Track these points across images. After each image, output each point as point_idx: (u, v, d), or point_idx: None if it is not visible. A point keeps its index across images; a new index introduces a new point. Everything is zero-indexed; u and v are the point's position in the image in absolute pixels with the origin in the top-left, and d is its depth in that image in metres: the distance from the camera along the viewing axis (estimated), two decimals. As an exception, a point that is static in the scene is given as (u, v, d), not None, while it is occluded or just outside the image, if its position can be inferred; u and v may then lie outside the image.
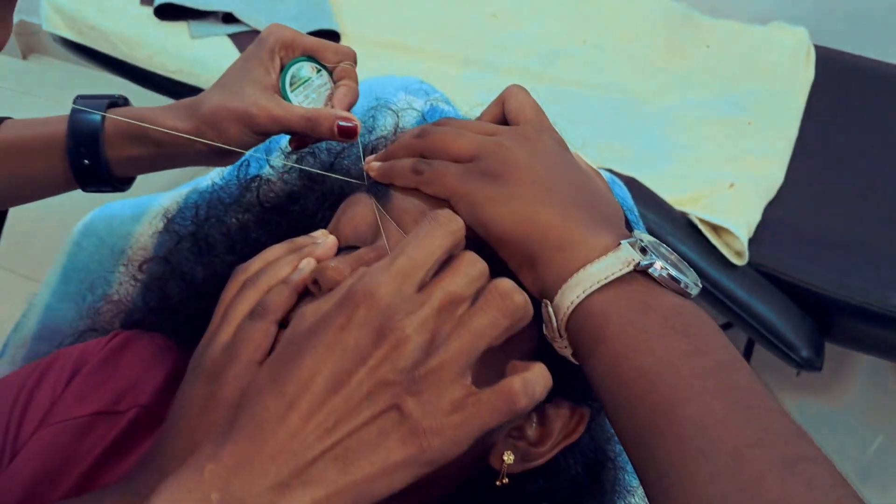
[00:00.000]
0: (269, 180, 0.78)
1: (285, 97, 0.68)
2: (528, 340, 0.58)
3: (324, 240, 0.60)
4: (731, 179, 1.58)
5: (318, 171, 0.69)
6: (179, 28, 1.86)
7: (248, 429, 0.41)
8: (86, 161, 0.69)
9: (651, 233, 0.65)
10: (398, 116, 0.82)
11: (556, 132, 0.62)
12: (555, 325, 0.52)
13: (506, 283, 0.44)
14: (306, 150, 0.76)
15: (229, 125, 0.65)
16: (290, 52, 0.70)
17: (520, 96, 0.63)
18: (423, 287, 0.43)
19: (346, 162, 0.75)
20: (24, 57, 2.86)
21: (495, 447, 0.58)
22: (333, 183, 0.74)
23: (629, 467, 0.70)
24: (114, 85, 2.01)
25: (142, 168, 0.72)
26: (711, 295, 1.48)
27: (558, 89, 1.84)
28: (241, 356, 0.52)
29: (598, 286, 0.50)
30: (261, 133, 0.67)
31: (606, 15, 2.02)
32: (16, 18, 2.60)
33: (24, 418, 0.64)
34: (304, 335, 0.43)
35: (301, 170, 0.78)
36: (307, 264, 0.57)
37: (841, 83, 1.90)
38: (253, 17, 1.88)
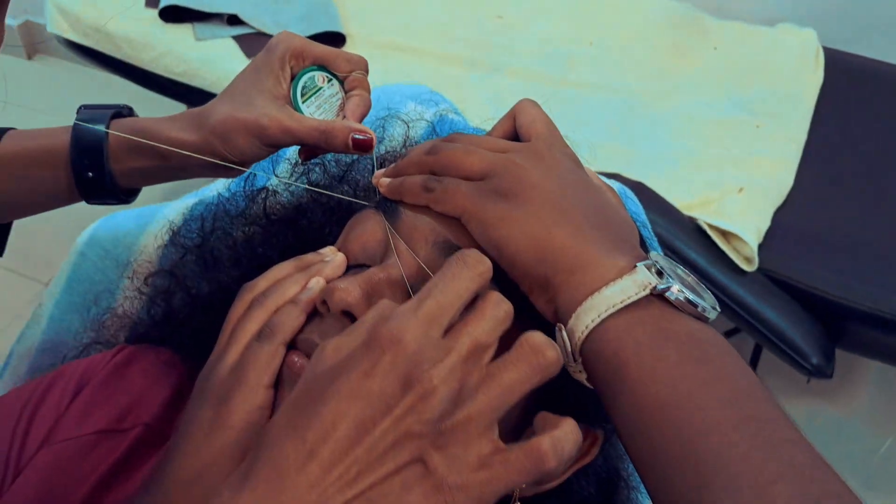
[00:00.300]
0: (275, 192, 0.77)
1: (297, 108, 0.66)
2: None
3: (332, 257, 0.59)
4: (740, 183, 1.57)
5: (328, 192, 0.68)
6: (184, 30, 1.85)
7: (267, 476, 0.39)
8: (90, 173, 0.68)
9: (659, 238, 0.64)
10: (408, 127, 0.81)
11: (569, 148, 0.60)
12: (569, 349, 0.51)
13: (538, 338, 0.43)
14: (315, 161, 0.75)
15: (239, 137, 0.64)
16: (301, 60, 0.68)
17: (531, 110, 0.62)
18: (448, 330, 0.42)
19: (356, 174, 0.74)
20: (30, 57, 2.85)
21: None
22: (341, 195, 0.73)
23: (642, 487, 0.69)
24: (119, 86, 2.01)
25: (147, 180, 0.71)
26: (720, 301, 1.46)
27: (564, 91, 1.82)
28: (248, 379, 0.51)
29: (613, 310, 0.49)
30: (272, 145, 0.65)
31: (613, 16, 2.01)
32: (21, 19, 2.61)
33: (28, 436, 0.63)
34: (325, 378, 0.41)
35: (308, 182, 0.77)
36: (316, 283, 0.56)
37: (850, 85, 1.88)
38: (258, 19, 1.86)
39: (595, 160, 0.63)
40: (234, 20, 1.87)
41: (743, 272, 1.48)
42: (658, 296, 0.49)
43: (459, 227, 0.56)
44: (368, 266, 0.59)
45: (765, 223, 1.51)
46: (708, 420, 0.43)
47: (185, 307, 0.71)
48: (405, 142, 0.80)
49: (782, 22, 2.03)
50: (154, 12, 1.86)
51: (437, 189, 0.56)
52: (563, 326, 0.51)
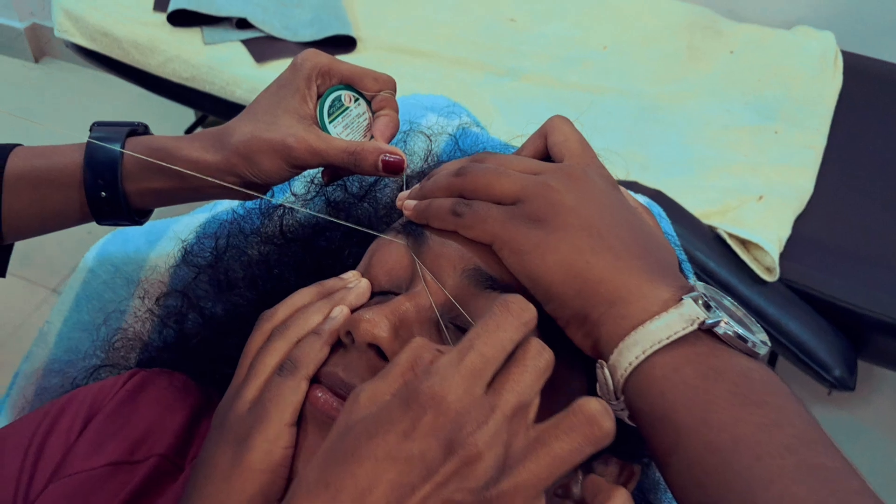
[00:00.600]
0: (291, 209, 0.74)
1: (323, 128, 0.64)
2: (578, 393, 0.54)
3: (356, 283, 0.56)
4: (760, 191, 1.54)
5: (348, 224, 0.64)
6: (192, 34, 1.83)
7: None
8: (103, 193, 0.65)
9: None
10: (430, 141, 0.78)
11: (604, 168, 0.57)
12: (610, 387, 0.48)
13: (593, 406, 0.39)
14: (338, 183, 0.73)
15: (263, 157, 0.61)
16: (328, 79, 0.65)
17: (564, 129, 0.59)
18: (489, 383, 0.40)
19: (377, 192, 0.71)
20: (37, 60, 2.83)
21: None
22: (361, 215, 0.70)
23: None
24: (126, 89, 1.99)
25: (163, 201, 0.68)
26: (741, 312, 1.43)
27: (579, 95, 1.79)
28: (270, 417, 0.48)
29: (658, 346, 0.46)
30: (298, 166, 0.62)
31: (628, 19, 1.98)
32: (28, 22, 2.59)
33: (37, 469, 0.60)
34: (361, 432, 0.39)
35: (327, 200, 0.74)
36: (339, 312, 0.53)
37: (870, 90, 1.85)
38: (267, 22, 1.84)
39: (611, 167, 0.59)
40: (242, 24, 1.84)
41: (763, 282, 1.45)
42: (706, 330, 0.46)
43: (490, 254, 0.53)
44: (393, 293, 0.56)
45: (785, 232, 1.48)
46: (768, 469, 0.41)
47: (199, 330, 0.69)
48: (427, 157, 0.77)
49: (799, 25, 2.00)
50: (162, 16, 1.83)
51: (466, 214, 0.53)
52: (604, 363, 0.48)
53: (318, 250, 0.69)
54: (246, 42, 1.82)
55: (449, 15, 1.97)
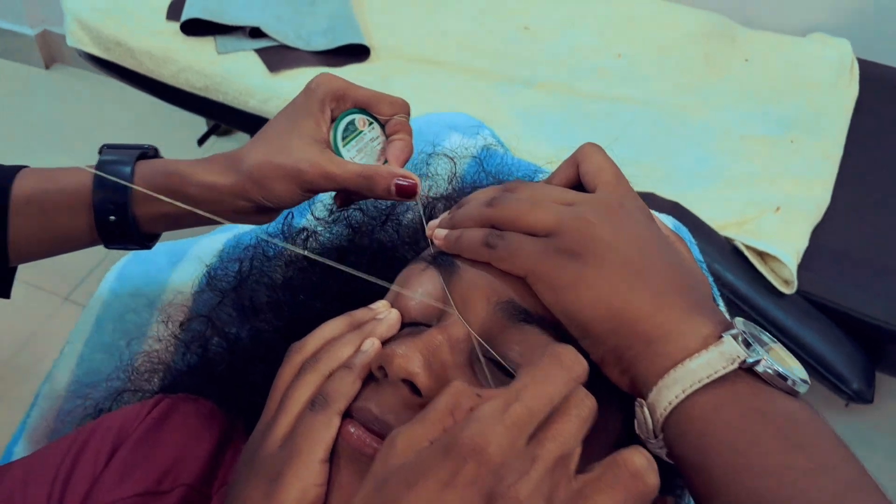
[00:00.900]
0: (315, 233, 0.74)
1: (337, 152, 0.64)
2: (613, 432, 0.53)
3: (386, 314, 0.56)
4: (777, 202, 1.53)
5: (369, 278, 0.62)
6: (206, 43, 1.82)
7: None
8: (112, 217, 0.65)
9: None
10: (454, 164, 0.77)
11: (639, 198, 0.57)
12: (650, 426, 0.47)
13: (638, 461, 0.39)
14: (353, 206, 0.72)
15: (276, 182, 0.61)
16: (342, 103, 0.65)
17: (596, 157, 0.58)
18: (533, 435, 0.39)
19: (398, 215, 0.70)
20: (47, 67, 2.83)
21: None
22: (384, 239, 0.70)
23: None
24: (138, 96, 1.98)
25: (172, 224, 0.68)
26: (758, 324, 1.42)
27: (593, 104, 1.78)
28: (302, 453, 0.48)
29: (699, 385, 0.45)
30: (311, 190, 0.62)
31: (642, 27, 1.97)
32: (38, 28, 2.60)
33: (63, 499, 0.60)
34: (400, 480, 0.38)
35: (348, 222, 0.73)
36: (371, 345, 0.53)
37: (887, 98, 1.84)
38: (280, 31, 1.83)
39: (628, 178, 0.58)
40: (256, 33, 1.84)
41: (781, 294, 1.44)
42: (746, 369, 0.46)
43: (523, 287, 0.52)
44: (424, 324, 0.55)
45: (803, 243, 1.47)
46: None
47: (224, 356, 0.68)
48: (451, 179, 0.76)
49: (814, 32, 1.98)
50: (175, 26, 1.83)
51: (499, 246, 0.53)
52: (644, 402, 0.48)
53: (344, 276, 0.68)
54: (259, 51, 1.82)
55: (462, 23, 1.96)
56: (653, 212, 0.59)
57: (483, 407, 0.39)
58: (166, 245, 0.85)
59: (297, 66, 1.78)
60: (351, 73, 1.78)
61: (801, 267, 1.44)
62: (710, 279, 0.67)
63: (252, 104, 1.76)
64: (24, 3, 2.67)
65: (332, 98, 0.65)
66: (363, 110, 0.66)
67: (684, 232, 0.83)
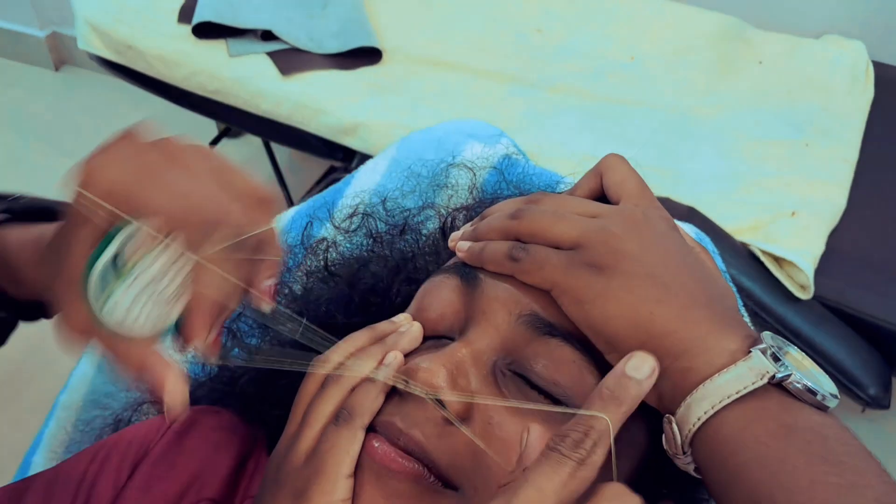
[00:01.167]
0: (335, 243, 0.73)
1: (94, 313, 0.41)
2: (639, 446, 0.52)
3: (408, 327, 0.55)
4: (792, 206, 1.52)
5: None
6: (217, 46, 1.82)
7: None
8: None
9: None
10: (474, 175, 0.77)
11: (663, 209, 0.56)
12: (678, 441, 0.47)
13: None
14: (368, 212, 0.71)
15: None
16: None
17: (620, 168, 0.57)
18: None
19: (420, 229, 0.70)
20: (57, 68, 2.84)
21: None
22: (405, 248, 0.69)
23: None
24: (148, 97, 1.98)
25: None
26: (774, 330, 1.42)
27: (606, 107, 1.78)
28: (327, 469, 0.47)
29: (728, 401, 0.45)
30: None
31: (655, 30, 1.96)
32: (48, 30, 2.61)
33: None
34: None
35: (369, 231, 0.73)
36: (394, 358, 0.52)
37: (902, 101, 1.82)
38: (292, 34, 1.83)
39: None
40: (268, 36, 1.83)
41: (797, 300, 1.43)
42: (776, 384, 0.45)
43: (548, 300, 0.52)
44: (446, 337, 0.55)
45: (819, 248, 1.46)
46: None
47: (246, 369, 0.68)
48: (471, 189, 0.76)
49: (828, 34, 1.97)
50: (187, 29, 1.83)
51: (523, 259, 0.52)
52: (672, 418, 0.47)
53: (364, 287, 0.68)
54: (271, 54, 1.81)
55: (475, 26, 1.96)
56: (681, 228, 0.58)
57: None
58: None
59: (309, 69, 1.78)
60: (363, 76, 1.78)
61: (818, 272, 1.43)
62: (734, 288, 0.67)
63: (264, 107, 1.76)
64: (33, 4, 2.68)
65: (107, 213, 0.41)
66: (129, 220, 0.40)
67: (707, 242, 0.83)
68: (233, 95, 1.79)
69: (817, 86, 1.83)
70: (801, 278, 1.42)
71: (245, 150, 2.47)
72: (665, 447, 0.49)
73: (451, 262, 0.59)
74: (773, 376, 0.45)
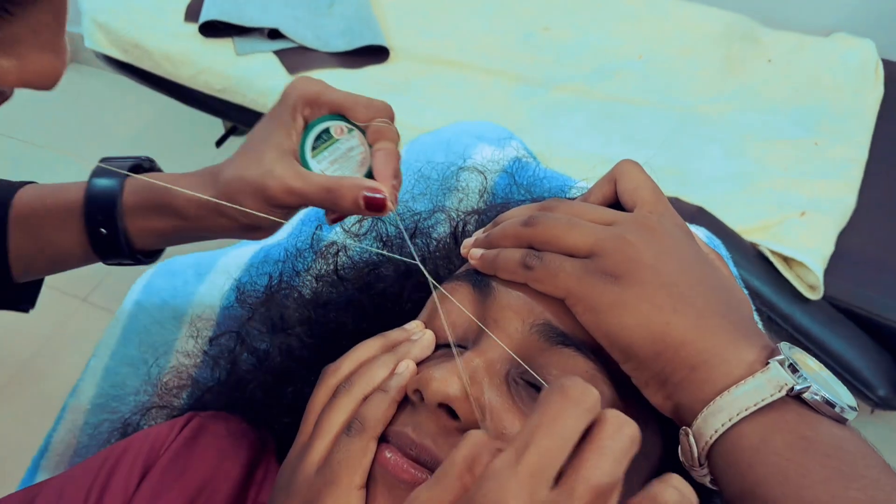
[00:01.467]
0: (345, 247, 0.73)
1: (305, 164, 0.58)
2: (652, 457, 0.52)
3: (420, 335, 0.55)
4: (802, 206, 1.51)
5: (437, 285, 0.59)
6: (224, 45, 1.82)
7: None
8: (103, 230, 0.63)
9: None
10: (485, 178, 0.76)
11: (678, 216, 0.55)
12: (695, 454, 0.46)
13: (671, 497, 0.36)
14: (377, 218, 0.71)
15: (245, 199, 0.57)
16: (315, 109, 0.59)
17: (634, 174, 0.57)
18: (561, 475, 0.36)
19: (430, 233, 0.69)
20: (63, 66, 2.83)
21: None
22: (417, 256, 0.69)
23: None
24: (155, 95, 1.98)
25: (164, 240, 0.66)
26: (783, 331, 1.41)
27: (614, 106, 1.77)
28: (339, 480, 0.47)
29: (745, 414, 0.44)
30: (279, 206, 0.58)
31: (663, 28, 1.95)
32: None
33: None
34: None
35: (379, 235, 0.72)
36: (406, 368, 0.52)
37: (912, 100, 1.81)
38: (299, 33, 1.83)
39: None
40: (275, 34, 1.83)
41: (806, 300, 1.42)
42: (794, 396, 0.44)
43: (561, 308, 0.51)
44: (459, 345, 0.54)
45: (829, 248, 1.45)
46: None
47: (253, 372, 0.67)
48: (482, 193, 0.75)
49: (837, 32, 1.96)
50: (194, 27, 1.83)
51: (537, 267, 0.52)
52: (689, 430, 0.46)
53: (375, 292, 0.67)
54: (278, 53, 1.81)
55: (483, 24, 1.95)
56: (696, 234, 0.58)
57: (495, 462, 0.36)
58: (193, 257, 0.84)
59: (316, 68, 1.78)
60: (370, 75, 1.77)
61: (827, 272, 1.42)
62: (746, 292, 0.66)
63: (271, 106, 1.75)
64: (40, 2, 2.67)
65: (305, 104, 0.59)
66: (341, 116, 0.59)
67: (720, 246, 0.82)
68: (239, 94, 1.78)
69: (826, 84, 1.82)
70: (811, 278, 1.41)
71: (251, 149, 2.46)
72: (681, 459, 0.48)
73: (462, 268, 0.59)
74: (792, 388, 0.44)
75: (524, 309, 0.52)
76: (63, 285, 2.06)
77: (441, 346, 0.55)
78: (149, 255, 0.68)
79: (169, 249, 0.72)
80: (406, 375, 0.51)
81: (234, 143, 2.45)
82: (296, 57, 1.80)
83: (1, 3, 0.35)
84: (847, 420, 0.45)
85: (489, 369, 0.51)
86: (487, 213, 0.68)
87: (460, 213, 0.70)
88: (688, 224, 0.60)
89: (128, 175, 0.64)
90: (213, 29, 1.82)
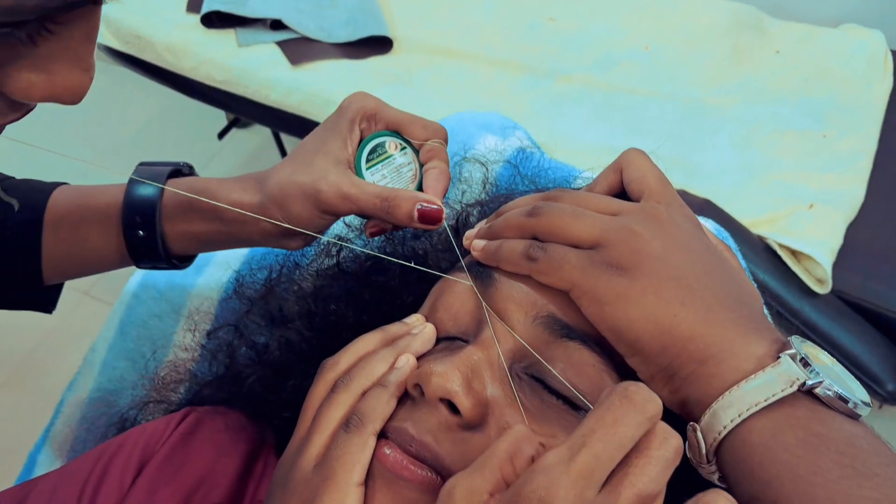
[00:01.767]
0: (347, 238, 0.72)
1: (360, 174, 0.60)
2: None
3: (420, 329, 0.53)
4: (810, 198, 1.49)
5: (413, 265, 0.61)
6: (226, 36, 1.81)
7: None
8: (140, 232, 0.64)
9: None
10: (487, 170, 0.74)
11: (686, 207, 0.54)
12: (703, 450, 0.45)
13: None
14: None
15: (295, 201, 0.58)
16: (373, 124, 0.62)
17: (641, 163, 0.55)
18: (609, 478, 0.36)
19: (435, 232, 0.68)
20: (66, 58, 2.82)
21: None
22: (418, 248, 0.67)
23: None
24: (158, 89, 1.97)
25: (201, 245, 0.66)
26: (791, 325, 1.39)
27: (620, 97, 1.75)
28: (337, 477, 0.46)
29: (756, 409, 0.43)
30: (328, 212, 0.59)
31: (670, 19, 1.93)
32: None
33: None
34: None
35: (384, 235, 0.71)
36: (406, 362, 0.50)
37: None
38: (302, 23, 1.81)
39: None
40: (277, 25, 1.81)
41: (814, 294, 1.41)
42: (805, 391, 0.43)
43: (565, 300, 0.50)
44: (460, 339, 0.53)
45: (837, 241, 1.44)
46: None
47: (252, 367, 0.66)
48: (484, 184, 0.74)
49: (846, 23, 1.94)
50: (195, 19, 1.81)
51: (541, 258, 0.50)
52: (697, 426, 0.45)
53: (376, 286, 0.66)
54: (281, 44, 1.79)
55: (487, 15, 1.93)
56: (704, 225, 0.56)
57: (547, 456, 0.36)
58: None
59: (318, 59, 1.76)
60: (373, 66, 1.76)
61: (836, 265, 1.41)
62: (755, 286, 0.65)
63: (273, 97, 1.74)
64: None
65: (363, 118, 0.62)
66: (396, 133, 0.62)
67: (728, 238, 0.80)
68: (241, 85, 1.77)
69: (835, 76, 1.79)
70: (819, 272, 1.39)
71: (254, 141, 2.46)
72: (689, 455, 0.47)
73: (465, 260, 0.57)
74: (804, 383, 0.43)
75: (527, 301, 0.51)
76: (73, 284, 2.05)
77: (442, 340, 0.54)
78: (182, 261, 0.69)
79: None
80: (406, 370, 0.50)
81: (237, 135, 2.45)
82: (298, 48, 1.79)
83: (43, 23, 0.36)
84: (860, 416, 0.44)
85: (491, 363, 0.49)
86: (490, 205, 0.66)
87: (463, 205, 0.69)
88: (699, 218, 0.58)
89: (171, 176, 0.65)
90: (215, 20, 1.80)
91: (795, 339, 0.46)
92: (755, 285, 0.64)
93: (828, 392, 0.43)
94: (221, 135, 2.34)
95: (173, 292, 0.80)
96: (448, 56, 1.83)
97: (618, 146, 0.57)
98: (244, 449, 0.63)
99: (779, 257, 1.43)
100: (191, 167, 0.68)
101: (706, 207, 1.40)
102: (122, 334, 0.80)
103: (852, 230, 1.48)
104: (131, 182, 0.64)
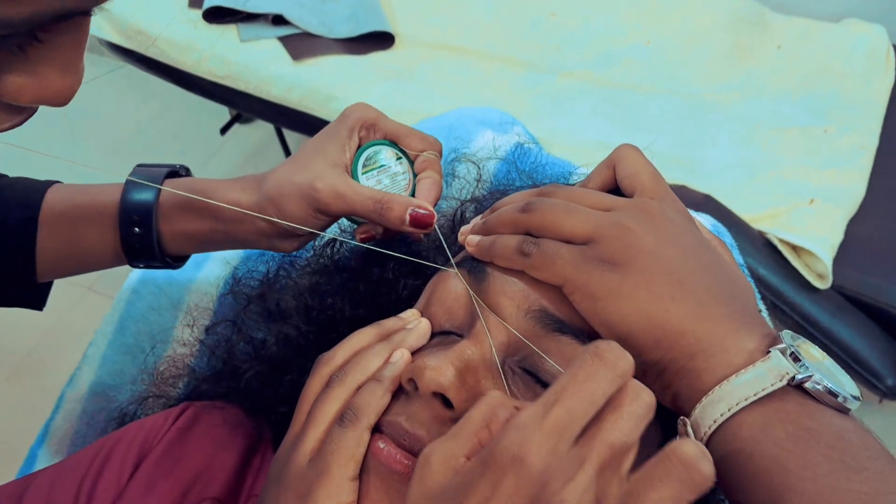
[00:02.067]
0: (344, 231, 0.72)
1: (355, 178, 0.63)
2: (650, 447, 0.51)
3: (416, 323, 0.54)
4: (811, 194, 1.49)
5: (407, 258, 0.62)
6: (228, 31, 1.81)
7: None
8: (136, 230, 0.65)
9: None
10: (479, 168, 0.75)
11: (679, 202, 0.54)
12: None
13: (689, 450, 0.35)
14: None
15: (291, 201, 0.60)
16: (371, 133, 0.65)
17: (634, 159, 0.55)
18: (580, 434, 0.36)
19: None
20: (68, 54, 2.82)
21: None
22: (412, 244, 0.68)
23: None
24: (160, 84, 1.97)
25: (197, 245, 0.68)
26: (791, 320, 1.40)
27: (621, 93, 1.75)
28: (332, 471, 0.46)
29: (746, 403, 0.43)
30: (323, 212, 0.61)
31: (671, 14, 1.92)
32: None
33: None
34: (438, 502, 0.36)
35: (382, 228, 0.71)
36: (400, 356, 0.51)
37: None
38: (303, 19, 1.81)
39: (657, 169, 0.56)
40: (279, 20, 1.82)
41: (815, 289, 1.41)
42: (796, 385, 0.43)
43: (557, 295, 0.50)
44: (455, 333, 0.53)
45: (838, 237, 1.44)
46: None
47: (250, 362, 0.66)
48: (478, 182, 0.74)
49: (847, 17, 1.93)
50: (197, 14, 1.81)
51: (534, 254, 0.51)
52: (687, 420, 0.45)
53: (372, 280, 0.66)
54: (282, 39, 1.80)
55: (488, 11, 1.93)
56: (691, 212, 0.57)
57: (520, 415, 0.36)
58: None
59: (320, 54, 1.77)
60: (375, 61, 1.76)
61: (836, 261, 1.41)
62: (752, 283, 0.65)
63: (275, 93, 1.74)
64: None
65: (363, 126, 0.64)
66: (394, 143, 0.65)
67: (724, 233, 0.81)
68: (243, 81, 1.77)
69: (837, 71, 1.79)
70: (820, 267, 1.39)
71: (256, 137, 2.46)
72: None
73: (459, 255, 0.58)
74: (793, 378, 0.43)
75: (519, 295, 0.51)
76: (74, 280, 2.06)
77: (437, 335, 0.54)
78: (177, 260, 0.70)
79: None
80: (400, 365, 0.50)
81: (239, 130, 2.45)
82: (300, 43, 1.79)
83: (32, 33, 0.36)
84: (850, 410, 0.44)
85: (485, 358, 0.50)
86: (487, 201, 0.67)
87: (458, 201, 0.69)
88: (693, 212, 0.58)
89: (167, 177, 0.66)
90: (217, 15, 1.80)
91: (786, 334, 0.47)
92: (751, 280, 0.64)
93: (817, 386, 0.43)
94: (224, 130, 2.34)
95: (172, 288, 0.81)
96: (449, 52, 1.83)
97: (618, 143, 0.57)
98: (242, 443, 0.64)
99: (779, 252, 1.43)
100: (187, 169, 0.69)
101: (706, 203, 1.40)
102: (121, 329, 0.81)
103: (853, 226, 1.48)
104: (129, 182, 0.65)
